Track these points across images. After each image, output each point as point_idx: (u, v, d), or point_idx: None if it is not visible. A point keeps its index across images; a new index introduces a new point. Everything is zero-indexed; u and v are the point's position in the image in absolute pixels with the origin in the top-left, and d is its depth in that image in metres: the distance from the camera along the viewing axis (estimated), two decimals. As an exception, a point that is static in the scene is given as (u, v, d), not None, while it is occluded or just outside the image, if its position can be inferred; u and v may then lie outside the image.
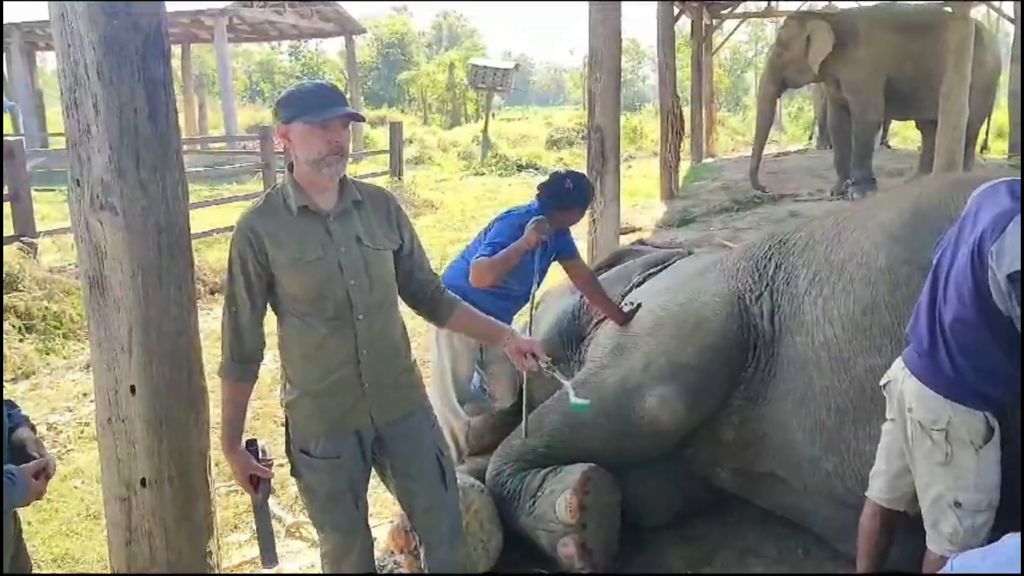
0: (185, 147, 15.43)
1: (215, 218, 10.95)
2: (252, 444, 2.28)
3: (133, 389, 2.32)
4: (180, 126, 2.50)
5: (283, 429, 2.35)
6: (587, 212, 3.82)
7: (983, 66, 10.20)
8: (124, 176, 2.24)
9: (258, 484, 2.25)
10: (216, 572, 2.56)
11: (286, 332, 2.25)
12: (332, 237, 2.20)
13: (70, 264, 7.08)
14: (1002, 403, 2.28)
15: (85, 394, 5.15)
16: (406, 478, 2.37)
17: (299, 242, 2.17)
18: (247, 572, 3.22)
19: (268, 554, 2.28)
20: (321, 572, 2.49)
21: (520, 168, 18.30)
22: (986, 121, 12.02)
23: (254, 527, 2.32)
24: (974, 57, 8.34)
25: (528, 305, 3.37)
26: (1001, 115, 14.64)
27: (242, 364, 2.22)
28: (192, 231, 2.49)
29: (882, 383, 2.49)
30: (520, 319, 3.75)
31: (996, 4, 15.03)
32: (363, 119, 2.39)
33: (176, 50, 21.90)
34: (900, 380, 2.38)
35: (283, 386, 2.30)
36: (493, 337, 2.54)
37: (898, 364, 2.42)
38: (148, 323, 2.31)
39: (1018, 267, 2.07)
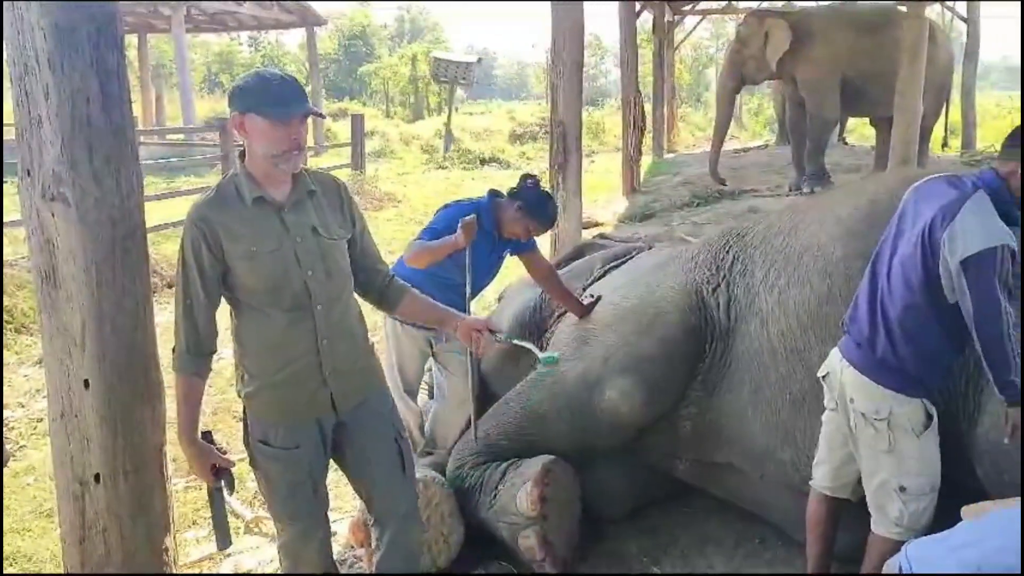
0: (142, 138, 15.09)
1: (173, 211, 10.76)
2: (207, 435, 2.25)
3: (87, 383, 2.28)
4: (136, 117, 2.46)
5: (242, 424, 2.34)
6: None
7: (936, 64, 10.40)
8: (76, 167, 2.19)
9: (218, 473, 2.24)
10: (173, 569, 2.53)
11: (243, 324, 2.22)
12: (287, 228, 2.18)
13: (22, 257, 6.93)
14: (937, 388, 2.40)
15: (38, 390, 5.04)
16: (365, 463, 2.38)
17: (254, 233, 2.14)
18: (205, 570, 3.19)
19: (221, 536, 2.28)
20: (279, 566, 2.48)
21: (483, 162, 18.27)
22: (944, 118, 12.24)
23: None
24: (928, 55, 8.49)
25: (469, 296, 3.35)
26: (954, 112, 14.94)
27: (197, 357, 2.18)
28: (149, 224, 2.46)
29: (820, 374, 2.55)
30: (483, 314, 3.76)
31: (949, 4, 15.32)
32: (323, 116, 2.35)
33: (132, 40, 21.45)
34: (839, 371, 2.45)
35: (240, 378, 2.28)
36: (442, 321, 2.55)
37: (835, 355, 2.49)
38: (102, 317, 2.27)
39: (970, 252, 2.14)
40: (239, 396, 2.31)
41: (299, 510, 2.31)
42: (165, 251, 8.39)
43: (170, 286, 7.40)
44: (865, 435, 2.40)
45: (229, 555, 3.27)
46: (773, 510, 3.12)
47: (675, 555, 3.12)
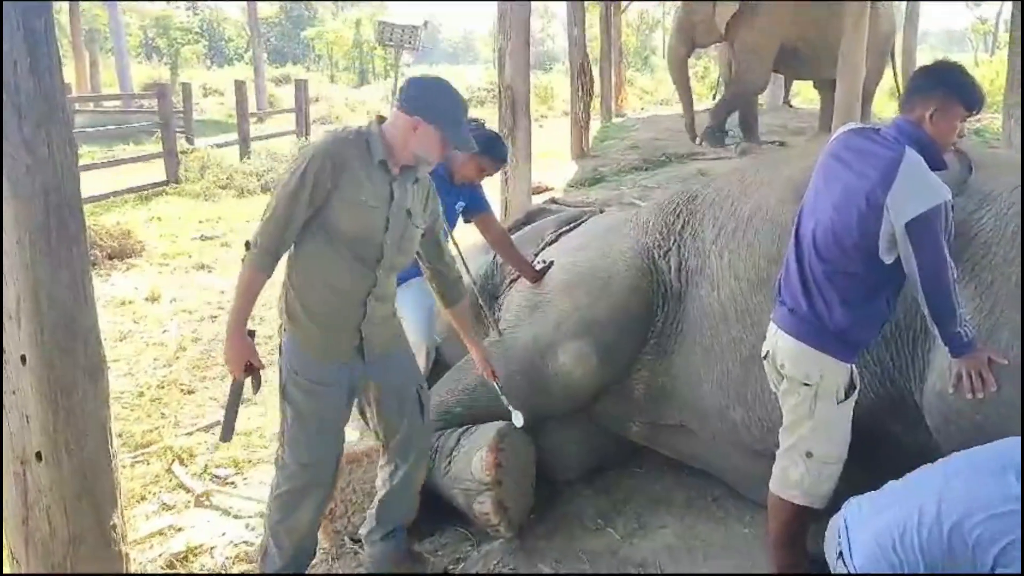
0: (77, 106, 14.54)
1: (112, 181, 10.48)
2: (252, 334, 2.43)
3: (24, 359, 2.20)
4: (70, 84, 2.36)
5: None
6: (500, 172, 3.76)
7: (878, 28, 10.54)
8: (6, 135, 2.10)
9: (249, 371, 2.42)
10: (122, 546, 2.47)
11: (313, 260, 2.42)
12: (392, 197, 2.45)
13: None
14: (866, 347, 2.45)
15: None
16: (392, 406, 2.63)
17: (368, 186, 2.40)
18: (155, 545, 3.14)
19: (226, 430, 2.51)
20: (265, 517, 2.58)
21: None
22: (896, 82, 12.42)
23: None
24: (870, 19, 8.58)
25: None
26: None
27: (270, 257, 2.37)
28: (87, 194, 2.37)
29: (763, 354, 2.57)
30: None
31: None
32: (475, 150, 2.62)
33: (63, 5, 20.65)
34: (775, 343, 2.48)
35: (286, 309, 2.48)
36: (467, 338, 2.93)
37: (771, 327, 2.51)
38: (38, 290, 2.18)
39: (915, 214, 2.17)
40: (281, 329, 2.52)
41: (321, 449, 2.50)
42: (105, 222, 8.16)
43: (111, 258, 7.21)
44: (791, 399, 2.44)
45: (181, 530, 3.22)
46: (725, 469, 3.17)
47: (629, 515, 3.15)
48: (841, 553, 2.25)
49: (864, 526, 2.21)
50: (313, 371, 2.45)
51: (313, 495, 2.51)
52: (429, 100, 2.42)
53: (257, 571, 2.69)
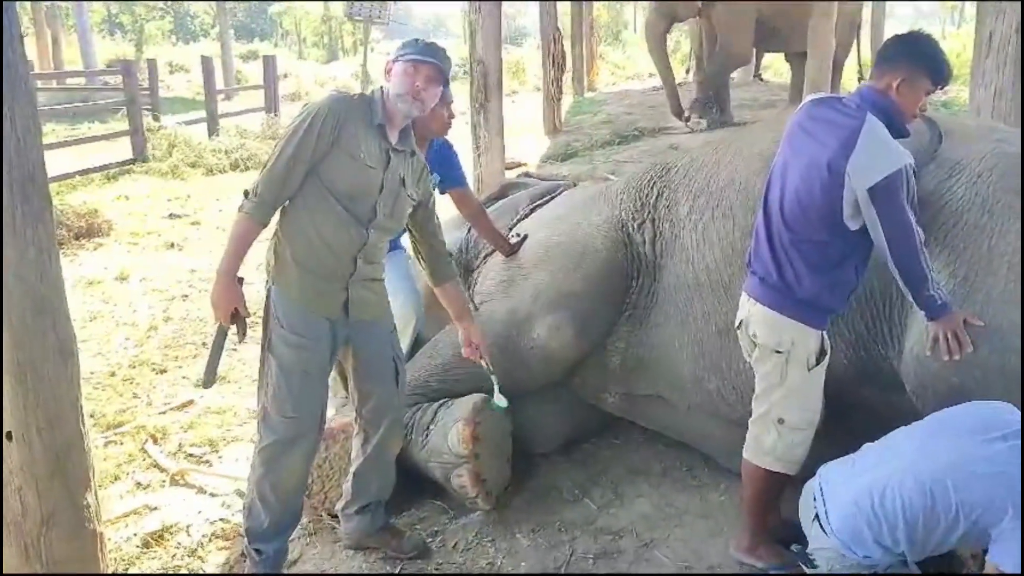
0: (40, 83, 14.21)
1: (77, 159, 10.29)
2: (241, 282, 2.46)
3: (-8, 339, 2.15)
4: (31, 61, 2.31)
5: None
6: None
7: (847, 3, 10.59)
8: (-35, 108, 2.04)
9: (235, 318, 2.44)
10: (97, 525, 2.45)
11: (309, 212, 2.47)
12: (388, 162, 2.53)
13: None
14: (836, 314, 2.48)
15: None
16: (367, 372, 2.67)
17: (366, 147, 2.48)
18: (130, 524, 3.12)
19: (208, 376, 2.57)
20: (250, 472, 2.58)
21: (402, 103, 17.87)
22: (857, 54, 12.48)
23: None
24: (839, -7, 8.64)
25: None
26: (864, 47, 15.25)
27: (267, 207, 2.43)
28: (52, 173, 2.32)
29: (736, 324, 2.59)
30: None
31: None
32: (446, 80, 2.63)
33: (22, -22, 20.13)
34: (748, 312, 2.50)
35: (275, 259, 2.51)
36: (458, 317, 2.86)
37: (744, 298, 2.53)
38: (5, 268, 2.14)
39: (876, 180, 2.20)
40: (267, 280, 2.53)
41: (304, 401, 2.50)
42: (72, 201, 8.01)
43: (78, 237, 7.07)
44: (763, 366, 2.47)
45: (156, 509, 3.20)
46: (700, 439, 3.20)
47: (605, 486, 3.18)
48: (817, 516, 2.29)
49: (841, 488, 2.25)
50: (299, 325, 2.47)
51: (299, 446, 2.51)
52: (397, 50, 2.60)
53: (237, 550, 2.67)
